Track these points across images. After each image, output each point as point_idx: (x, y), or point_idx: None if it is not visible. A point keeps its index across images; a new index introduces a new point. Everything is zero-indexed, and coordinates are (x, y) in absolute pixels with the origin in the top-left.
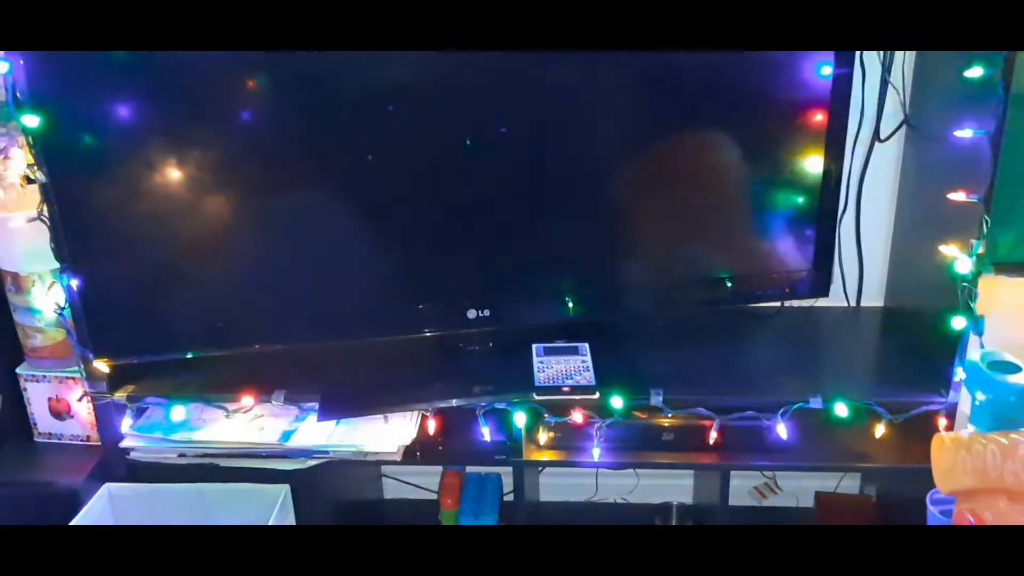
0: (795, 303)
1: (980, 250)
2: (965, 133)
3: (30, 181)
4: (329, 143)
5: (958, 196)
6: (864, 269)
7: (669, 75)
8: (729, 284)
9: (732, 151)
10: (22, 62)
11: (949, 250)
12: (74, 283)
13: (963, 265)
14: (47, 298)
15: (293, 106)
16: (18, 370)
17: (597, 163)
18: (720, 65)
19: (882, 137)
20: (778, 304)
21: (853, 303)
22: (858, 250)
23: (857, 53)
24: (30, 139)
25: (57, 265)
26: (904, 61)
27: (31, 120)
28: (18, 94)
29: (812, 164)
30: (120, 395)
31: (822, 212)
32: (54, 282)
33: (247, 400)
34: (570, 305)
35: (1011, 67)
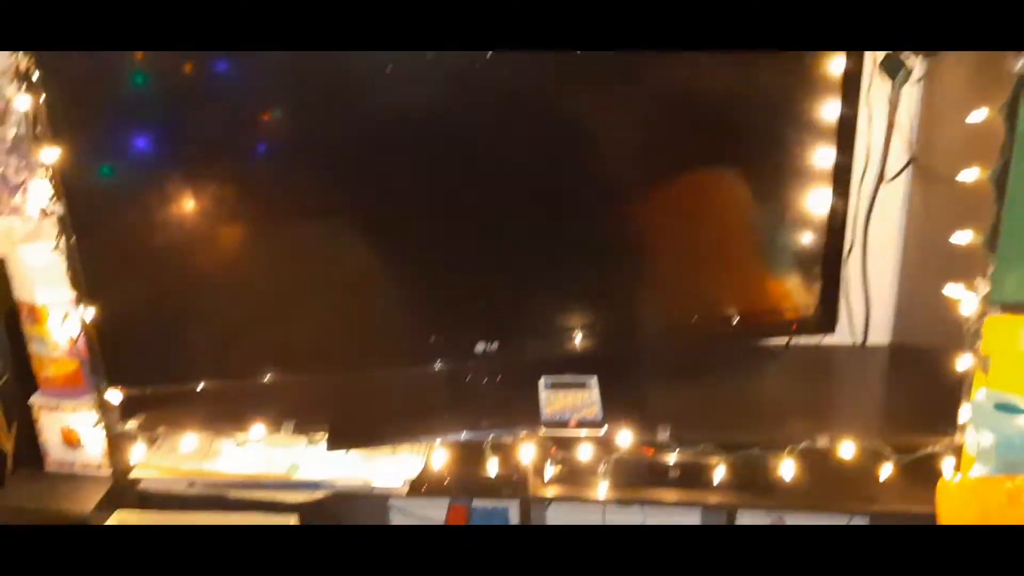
0: (802, 340)
1: (985, 290)
2: (970, 174)
3: (47, 213)
4: (343, 176)
5: (964, 236)
6: (871, 307)
7: (679, 113)
8: (737, 320)
9: (740, 189)
10: (43, 97)
11: (955, 290)
12: (88, 313)
13: (968, 305)
14: (62, 328)
15: (308, 140)
16: (32, 400)
17: (606, 199)
18: (729, 104)
19: (888, 177)
20: (785, 341)
21: (860, 341)
22: (864, 288)
23: (863, 94)
24: (49, 172)
25: (72, 296)
26: (911, 101)
27: (50, 154)
28: (38, 128)
29: (818, 203)
30: (131, 424)
31: (828, 250)
32: (69, 313)
33: (257, 430)
34: (579, 339)
35: (1015, 109)
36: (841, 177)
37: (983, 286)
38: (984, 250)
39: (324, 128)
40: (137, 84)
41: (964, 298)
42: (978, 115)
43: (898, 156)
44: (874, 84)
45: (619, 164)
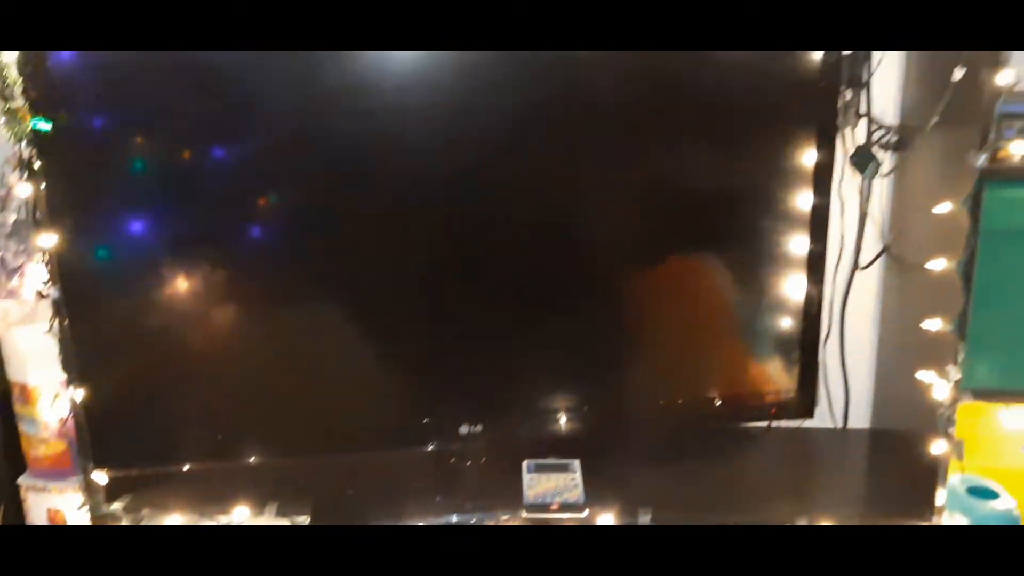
0: (783, 423)
1: (957, 377)
2: (937, 264)
3: (42, 296)
4: (332, 262)
5: (933, 324)
6: (850, 391)
7: (661, 201)
8: (718, 403)
9: (720, 275)
10: (43, 185)
11: (927, 376)
12: (79, 395)
13: (941, 391)
14: (52, 409)
15: (299, 227)
16: (20, 480)
17: (592, 283)
18: (708, 194)
19: (862, 265)
20: (766, 424)
21: (840, 424)
22: (843, 373)
23: (835, 185)
24: (46, 256)
25: (64, 377)
26: (883, 193)
27: (48, 239)
28: (38, 214)
29: (795, 289)
30: (116, 506)
31: (805, 336)
32: (59, 394)
33: (240, 512)
34: (562, 421)
35: (978, 202)
36: (816, 265)
37: (954, 373)
38: (954, 338)
39: (316, 215)
40: (136, 170)
41: (937, 384)
42: (943, 207)
43: (872, 245)
44: (847, 176)
45: (603, 251)
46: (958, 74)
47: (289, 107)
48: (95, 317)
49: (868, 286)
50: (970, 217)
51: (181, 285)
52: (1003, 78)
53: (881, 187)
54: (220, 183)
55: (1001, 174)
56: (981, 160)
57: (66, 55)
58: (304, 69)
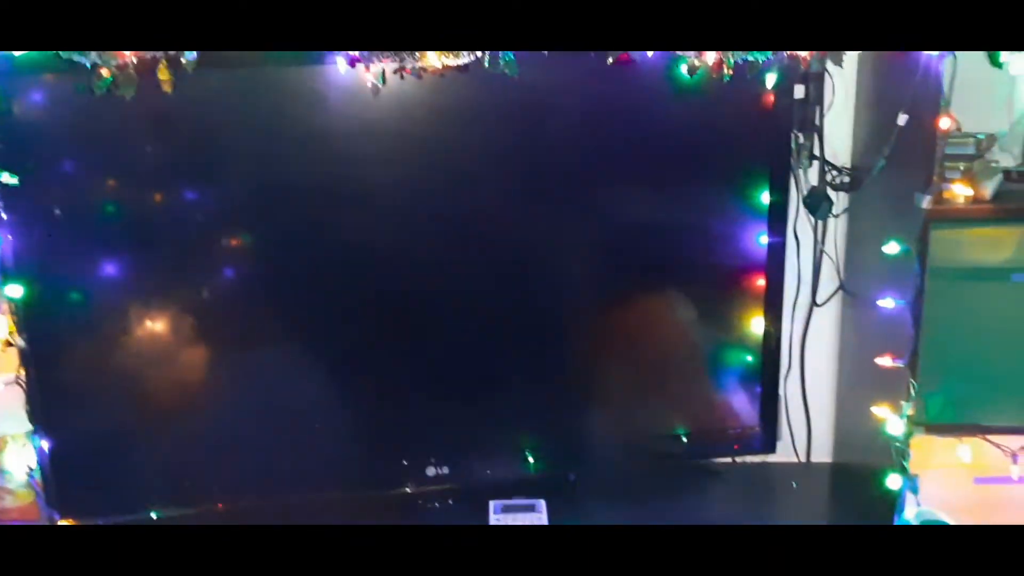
0: (747, 459)
1: (910, 412)
2: (887, 303)
3: (9, 345)
4: (300, 307)
5: (885, 361)
6: (812, 427)
7: (623, 242)
8: (683, 440)
9: (682, 314)
10: (10, 237)
11: (881, 411)
12: (45, 445)
13: (894, 426)
14: (19, 460)
15: (265, 272)
16: None
17: (555, 324)
18: (669, 235)
19: (819, 302)
20: (730, 460)
21: (803, 459)
22: (805, 408)
23: (790, 225)
24: (12, 307)
25: (30, 427)
26: (836, 231)
27: (14, 290)
28: (4, 266)
29: (755, 326)
30: None
31: (766, 371)
32: (27, 443)
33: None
34: (529, 461)
35: (926, 242)
36: (773, 301)
37: (907, 408)
38: (907, 373)
39: (284, 261)
40: (106, 215)
41: (891, 419)
42: (892, 247)
43: (830, 283)
44: (802, 216)
45: (566, 292)
46: (902, 119)
47: (255, 154)
48: (61, 368)
49: (826, 323)
50: (917, 257)
51: (148, 332)
52: (944, 123)
53: (835, 227)
54: (186, 230)
55: (946, 215)
56: (925, 202)
57: (32, 105)
58: (271, 116)
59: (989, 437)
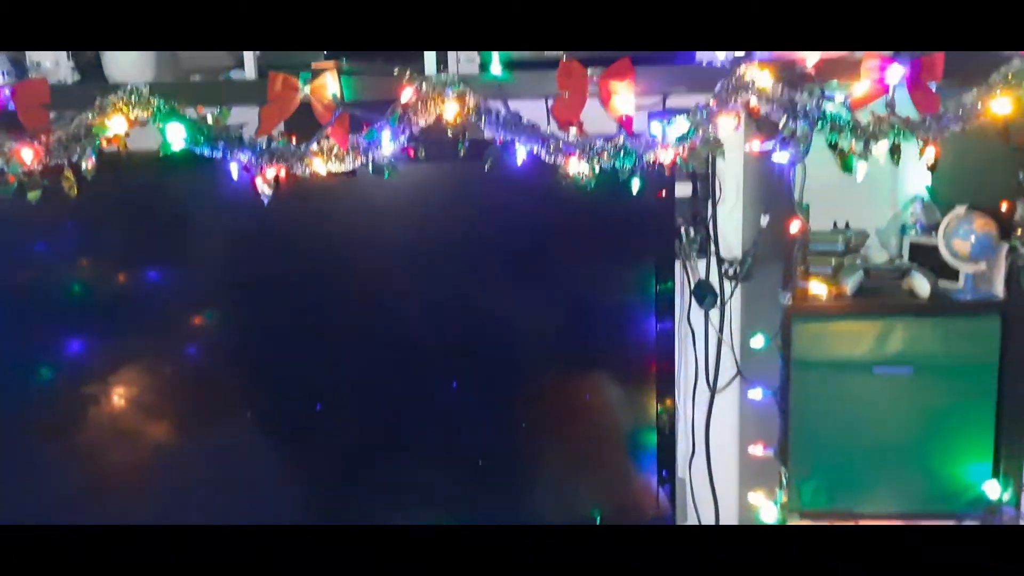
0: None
1: (783, 499)
2: (755, 394)
3: None
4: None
5: (757, 449)
6: (720, 510)
7: (521, 333)
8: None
9: (585, 398)
10: None
11: (756, 498)
12: None
13: (768, 513)
14: None
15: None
16: None
17: (458, 412)
18: (563, 325)
19: (717, 388)
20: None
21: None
22: (712, 491)
23: (683, 313)
24: None
25: None
26: (731, 320)
27: None
28: None
29: (650, 409)
30: None
31: (663, 455)
32: None
33: None
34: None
35: (789, 336)
36: (665, 386)
37: (781, 495)
38: (776, 462)
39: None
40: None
41: (763, 506)
42: (758, 340)
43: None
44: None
45: (467, 382)
46: (764, 220)
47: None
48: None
49: (729, 408)
50: (780, 350)
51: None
52: (793, 226)
53: (729, 315)
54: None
55: (808, 310)
56: (786, 298)
57: None
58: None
59: (861, 523)
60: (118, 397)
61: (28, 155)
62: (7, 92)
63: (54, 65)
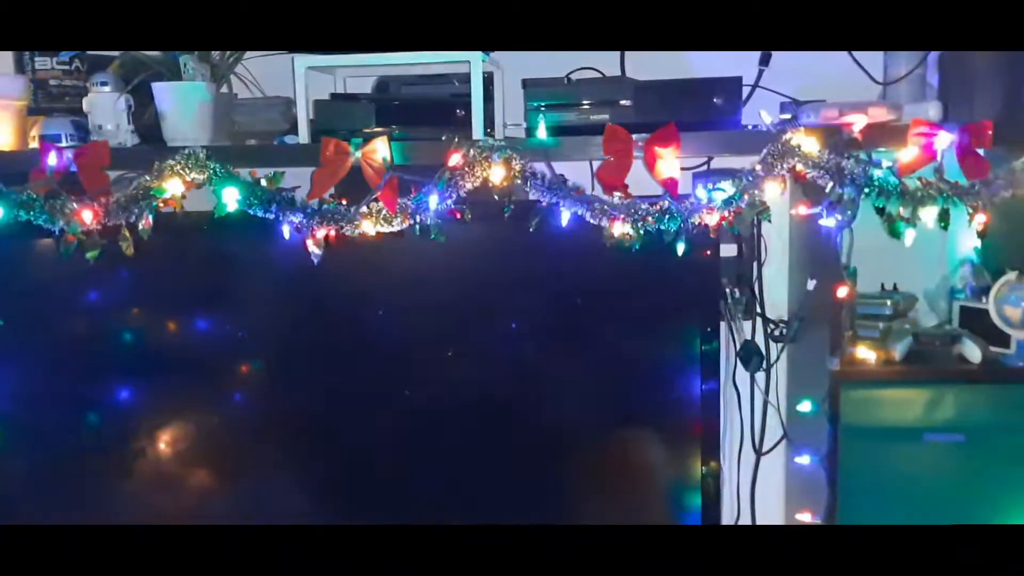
0: None
1: None
2: (802, 459)
3: None
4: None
5: (805, 516)
6: None
7: (566, 391)
8: None
9: (629, 457)
10: None
11: None
12: None
13: None
14: None
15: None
16: None
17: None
18: (608, 384)
19: (763, 451)
20: None
21: None
22: None
23: (728, 374)
24: None
25: None
26: (777, 382)
27: None
28: None
29: (695, 472)
30: None
31: (707, 518)
32: None
33: None
34: None
35: (837, 401)
36: (710, 450)
37: None
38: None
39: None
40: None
41: None
42: (805, 406)
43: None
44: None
45: (516, 441)
46: (811, 284)
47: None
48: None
49: (775, 471)
50: (827, 415)
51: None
52: (841, 291)
53: (776, 378)
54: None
55: (857, 375)
56: (834, 363)
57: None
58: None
59: None
60: (165, 444)
61: (88, 216)
62: (69, 155)
63: (115, 128)
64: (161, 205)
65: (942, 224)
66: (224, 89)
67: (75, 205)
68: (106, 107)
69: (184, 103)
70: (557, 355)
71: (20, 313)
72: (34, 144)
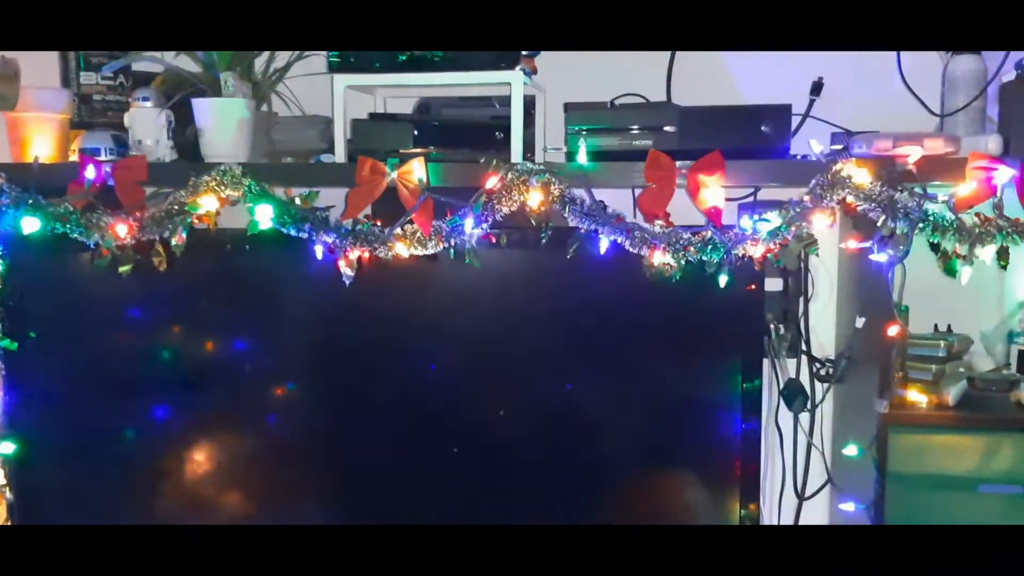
0: None
1: None
2: (847, 506)
3: None
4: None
5: None
6: None
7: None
8: None
9: (664, 497)
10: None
11: None
12: None
13: None
14: None
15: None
16: None
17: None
18: (643, 421)
19: (806, 495)
20: None
21: None
22: None
23: (771, 414)
24: (3, 464)
25: None
26: (822, 424)
27: (6, 447)
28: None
29: (732, 515)
30: None
31: None
32: None
33: None
34: None
35: (885, 447)
36: (750, 490)
37: None
38: None
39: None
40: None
41: None
42: (851, 450)
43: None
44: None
45: (545, 479)
46: (860, 322)
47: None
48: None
49: (818, 517)
50: (874, 459)
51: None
52: (892, 330)
53: (821, 419)
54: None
55: (907, 420)
56: (883, 406)
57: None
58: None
59: None
60: (193, 462)
61: (123, 230)
62: (107, 169)
63: (154, 144)
64: (195, 221)
65: (1001, 263)
66: (264, 108)
67: (110, 219)
68: (146, 122)
69: (223, 119)
70: (590, 389)
71: (52, 325)
72: (74, 157)
